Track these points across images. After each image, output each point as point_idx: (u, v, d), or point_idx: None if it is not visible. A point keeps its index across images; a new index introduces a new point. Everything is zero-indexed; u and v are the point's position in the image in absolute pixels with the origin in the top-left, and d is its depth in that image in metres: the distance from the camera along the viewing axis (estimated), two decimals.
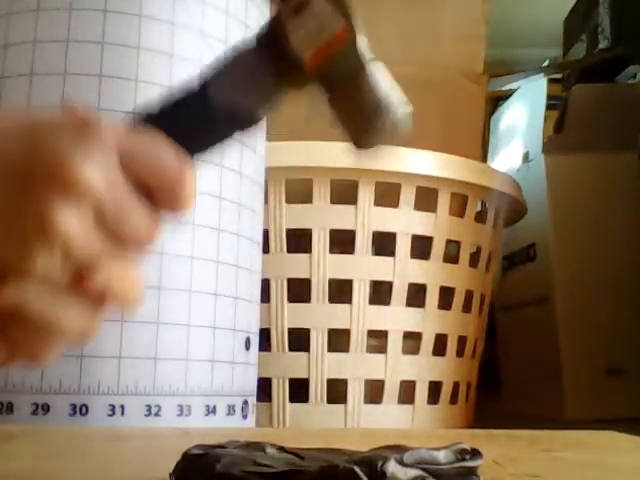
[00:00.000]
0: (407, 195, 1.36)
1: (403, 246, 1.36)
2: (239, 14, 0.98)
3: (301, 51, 0.39)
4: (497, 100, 2.68)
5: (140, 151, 0.35)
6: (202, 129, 0.39)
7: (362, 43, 0.40)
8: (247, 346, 0.99)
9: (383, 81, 0.41)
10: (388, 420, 1.34)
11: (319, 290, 1.33)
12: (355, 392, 1.33)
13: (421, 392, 1.39)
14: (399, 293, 1.36)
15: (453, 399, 1.47)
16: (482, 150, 2.01)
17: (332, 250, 1.33)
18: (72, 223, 0.32)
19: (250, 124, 0.41)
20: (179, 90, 0.40)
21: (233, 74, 0.39)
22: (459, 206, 1.45)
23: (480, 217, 1.54)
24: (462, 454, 0.36)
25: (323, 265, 1.33)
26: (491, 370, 2.08)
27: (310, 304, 1.33)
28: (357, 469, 0.31)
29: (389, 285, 1.36)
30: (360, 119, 0.42)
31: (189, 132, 0.38)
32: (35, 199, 0.32)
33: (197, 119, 0.39)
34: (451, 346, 1.44)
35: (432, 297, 1.39)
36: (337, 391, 1.33)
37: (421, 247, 1.40)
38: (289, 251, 1.33)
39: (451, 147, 1.48)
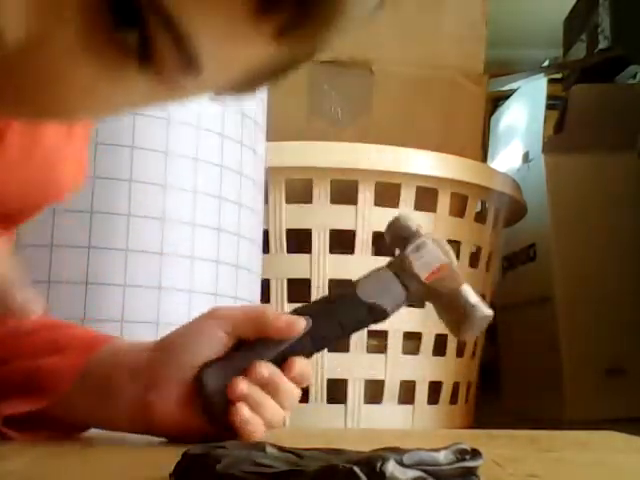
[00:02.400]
0: (407, 195, 1.36)
1: None
2: None
3: (419, 273, 0.61)
4: (497, 100, 2.67)
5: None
6: (349, 318, 0.60)
7: (456, 269, 0.62)
8: None
9: (472, 295, 0.61)
10: (388, 420, 1.34)
11: (319, 290, 1.33)
12: (355, 392, 1.33)
13: (421, 392, 1.39)
14: None
15: (453, 399, 1.47)
16: (482, 150, 2.01)
17: (332, 250, 1.33)
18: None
19: (383, 317, 0.62)
20: (335, 291, 0.67)
21: (375, 283, 0.61)
22: (459, 206, 1.45)
23: (480, 217, 1.53)
24: (462, 454, 0.36)
25: (323, 265, 1.33)
26: (491, 370, 2.08)
27: None
28: (357, 469, 0.31)
29: None
30: (456, 319, 0.62)
31: (341, 319, 0.59)
32: None
33: (347, 310, 0.60)
34: (451, 346, 1.44)
35: None
36: (337, 391, 1.33)
37: None
38: (289, 251, 1.33)
39: (451, 147, 1.48)
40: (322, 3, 0.28)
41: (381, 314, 0.61)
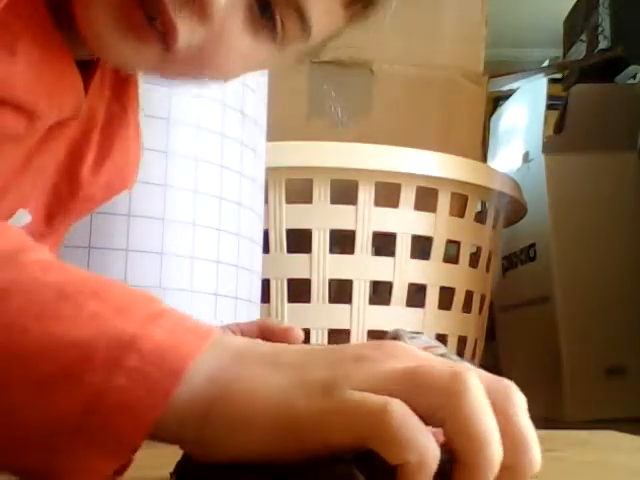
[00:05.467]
0: (407, 195, 1.36)
1: (403, 246, 1.36)
2: None
3: None
4: (497, 100, 2.67)
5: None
6: None
7: None
8: None
9: None
10: None
11: (319, 290, 1.33)
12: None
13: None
14: (399, 293, 1.36)
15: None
16: (482, 150, 2.01)
17: (332, 250, 1.33)
18: None
19: None
20: None
21: None
22: (459, 206, 1.45)
23: (480, 217, 1.53)
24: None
25: (323, 265, 1.33)
26: (491, 370, 2.07)
27: (310, 304, 1.33)
28: (356, 470, 0.31)
29: (389, 285, 1.36)
30: None
31: None
32: None
33: None
34: (451, 346, 1.44)
35: (432, 297, 1.39)
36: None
37: (421, 247, 1.40)
38: (289, 251, 1.33)
39: (451, 147, 1.48)
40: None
41: None
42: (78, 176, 0.58)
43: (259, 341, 0.38)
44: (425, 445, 0.30)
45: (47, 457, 0.33)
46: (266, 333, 0.57)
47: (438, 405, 0.31)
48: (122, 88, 0.59)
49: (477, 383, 0.32)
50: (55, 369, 0.33)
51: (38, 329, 0.34)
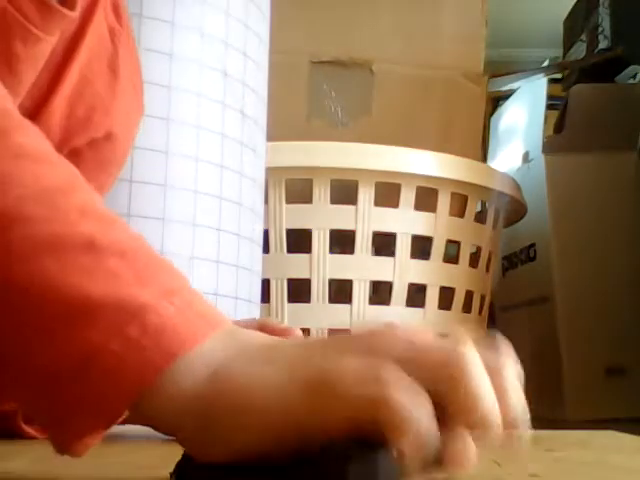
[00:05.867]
0: (407, 195, 1.36)
1: (403, 246, 1.36)
2: (239, 14, 0.98)
3: None
4: (497, 100, 2.67)
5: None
6: None
7: None
8: None
9: None
10: None
11: (319, 290, 1.33)
12: None
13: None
14: (399, 293, 1.36)
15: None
16: (482, 150, 2.01)
17: (332, 250, 1.33)
18: None
19: None
20: None
21: None
22: (459, 206, 1.45)
23: (480, 217, 1.53)
24: None
25: (323, 265, 1.33)
26: None
27: (310, 304, 1.33)
28: (350, 468, 0.31)
29: (389, 285, 1.36)
30: None
31: None
32: None
33: None
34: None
35: (432, 297, 1.39)
36: None
37: (421, 247, 1.40)
38: (289, 251, 1.33)
39: (451, 147, 1.48)
40: None
41: None
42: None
43: (263, 335, 0.38)
44: (426, 422, 0.30)
45: (37, 399, 0.34)
46: (266, 332, 0.57)
47: (438, 378, 0.32)
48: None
49: (476, 355, 0.32)
50: (61, 314, 0.33)
51: (56, 272, 0.34)
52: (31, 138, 0.40)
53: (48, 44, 0.53)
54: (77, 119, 0.60)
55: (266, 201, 1.24)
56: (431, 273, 1.40)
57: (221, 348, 0.35)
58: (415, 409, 0.30)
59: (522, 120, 2.29)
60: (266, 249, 1.25)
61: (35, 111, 0.56)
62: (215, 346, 0.35)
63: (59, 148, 0.57)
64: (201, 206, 0.92)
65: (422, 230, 1.39)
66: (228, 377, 0.33)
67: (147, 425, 0.37)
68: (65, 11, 0.52)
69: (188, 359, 0.33)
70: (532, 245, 2.14)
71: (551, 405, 1.98)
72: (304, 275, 1.33)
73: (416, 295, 1.39)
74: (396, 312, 1.36)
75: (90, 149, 0.64)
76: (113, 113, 0.63)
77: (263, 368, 0.33)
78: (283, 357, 0.34)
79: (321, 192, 1.32)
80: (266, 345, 0.36)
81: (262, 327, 0.58)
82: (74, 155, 0.61)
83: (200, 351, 0.34)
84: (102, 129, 0.63)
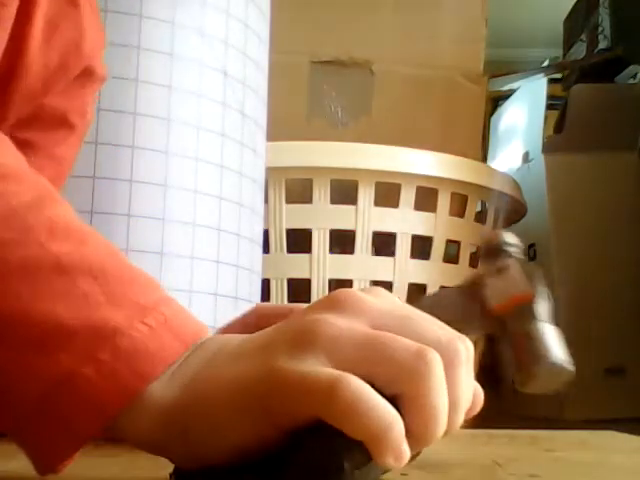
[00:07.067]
0: (407, 195, 1.36)
1: (403, 246, 1.36)
2: (239, 14, 0.98)
3: (489, 300, 0.51)
4: (497, 100, 2.67)
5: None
6: None
7: (540, 306, 0.51)
8: None
9: (550, 339, 0.51)
10: None
11: (319, 290, 1.32)
12: None
13: None
14: (399, 293, 1.36)
15: None
16: (482, 150, 2.01)
17: (332, 250, 1.33)
18: None
19: None
20: None
21: (437, 302, 0.53)
22: (459, 206, 1.45)
23: (480, 217, 1.53)
24: None
25: (323, 265, 1.33)
26: (491, 370, 2.07)
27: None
28: (346, 465, 0.31)
29: (389, 285, 1.36)
30: (523, 363, 0.51)
31: None
32: None
33: None
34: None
35: None
36: None
37: (421, 247, 1.40)
38: (289, 251, 1.33)
39: (451, 147, 1.48)
40: None
41: None
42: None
43: (235, 336, 0.38)
44: (382, 415, 0.30)
45: (14, 423, 0.35)
46: (263, 320, 0.56)
47: (398, 379, 0.32)
48: None
49: (440, 365, 0.33)
50: (35, 339, 0.34)
51: (28, 297, 0.34)
52: None
53: (12, 7, 0.52)
54: (54, 66, 0.59)
55: (266, 201, 1.24)
56: (431, 273, 1.40)
57: (192, 362, 0.35)
58: (371, 404, 0.31)
59: (522, 120, 2.29)
60: (266, 249, 1.25)
61: (13, 69, 0.55)
62: (189, 361, 0.35)
63: (42, 97, 0.56)
64: (201, 206, 0.92)
65: (422, 230, 1.39)
66: (198, 385, 0.34)
67: (126, 442, 0.37)
68: None
69: (160, 381, 0.34)
70: (532, 245, 2.14)
71: (550, 405, 1.98)
72: (304, 275, 1.33)
73: (416, 295, 1.39)
74: None
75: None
76: (84, 50, 0.61)
77: (230, 369, 0.34)
78: (250, 348, 0.35)
79: (321, 192, 1.32)
80: (235, 346, 0.37)
81: (260, 316, 0.57)
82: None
83: (171, 370, 0.35)
84: (78, 68, 0.63)
